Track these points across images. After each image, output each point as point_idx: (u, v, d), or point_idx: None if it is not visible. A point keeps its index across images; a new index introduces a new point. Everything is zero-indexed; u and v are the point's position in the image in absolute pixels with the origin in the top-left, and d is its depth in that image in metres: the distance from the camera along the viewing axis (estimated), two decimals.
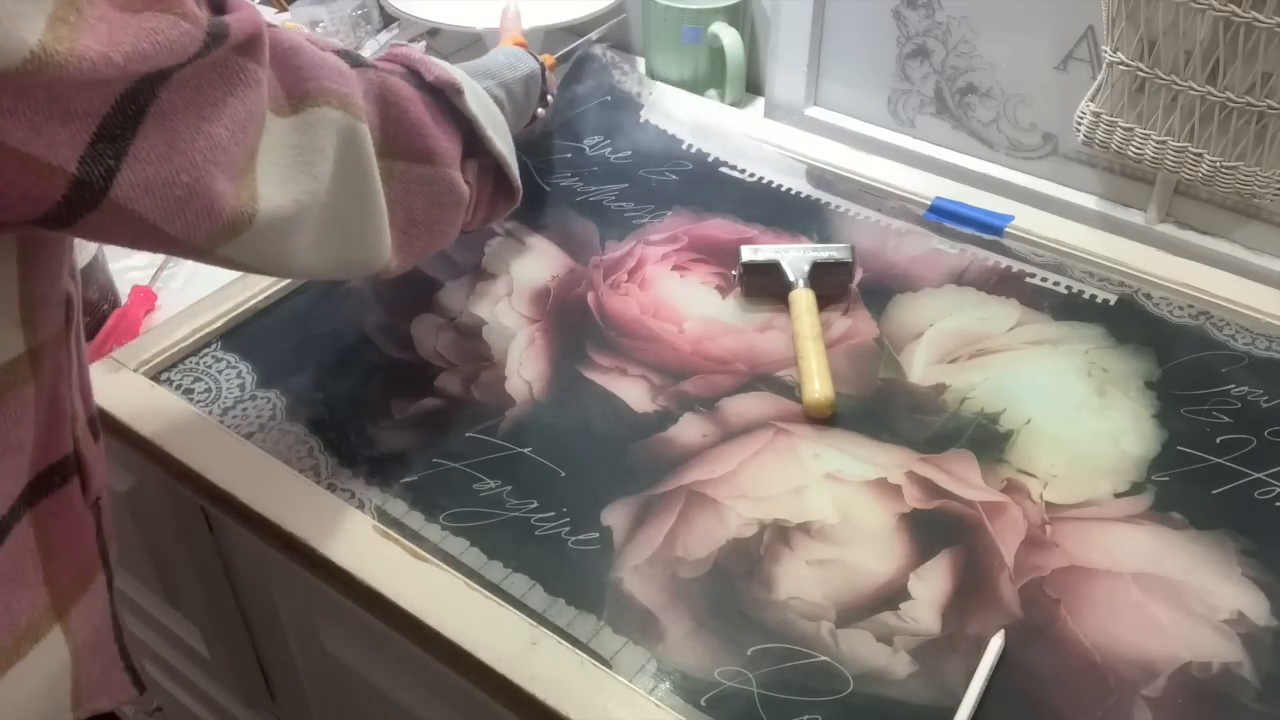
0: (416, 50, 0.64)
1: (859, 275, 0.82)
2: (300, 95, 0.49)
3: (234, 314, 0.78)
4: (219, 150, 0.43)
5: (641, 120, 0.99)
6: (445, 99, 0.62)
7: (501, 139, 0.66)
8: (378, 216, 0.57)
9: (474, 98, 0.63)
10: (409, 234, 0.60)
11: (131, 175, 0.40)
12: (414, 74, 0.61)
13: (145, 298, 0.84)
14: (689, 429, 0.70)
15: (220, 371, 0.74)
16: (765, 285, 0.80)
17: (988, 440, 0.69)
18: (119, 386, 0.72)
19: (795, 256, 0.80)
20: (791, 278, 0.78)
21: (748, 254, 0.80)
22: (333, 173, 0.51)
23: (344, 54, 0.56)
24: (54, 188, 0.39)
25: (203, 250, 0.46)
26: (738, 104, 1.07)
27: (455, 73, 0.62)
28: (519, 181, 0.69)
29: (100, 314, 0.82)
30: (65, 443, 0.50)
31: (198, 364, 0.75)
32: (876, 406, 0.72)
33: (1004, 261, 0.84)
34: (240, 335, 0.77)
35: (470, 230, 0.72)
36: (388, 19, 1.14)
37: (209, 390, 0.73)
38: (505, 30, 0.90)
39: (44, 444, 0.49)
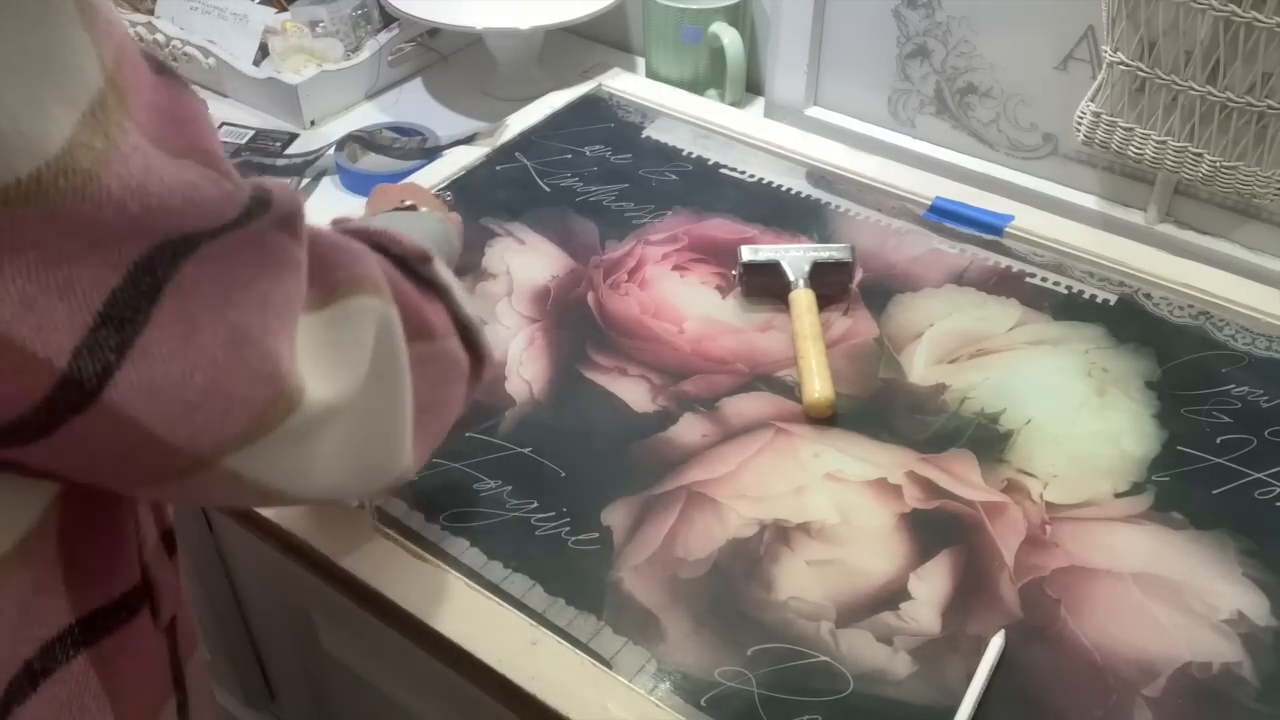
0: (364, 222, 0.57)
1: (859, 275, 0.82)
2: (330, 286, 0.43)
3: None
4: (247, 344, 0.36)
5: (643, 136, 0.99)
6: (414, 270, 0.53)
7: (467, 302, 0.58)
8: (406, 411, 0.49)
9: (440, 265, 0.55)
10: (421, 424, 0.52)
11: (134, 374, 0.33)
12: (378, 248, 0.52)
13: None
14: (689, 429, 0.70)
15: None
16: (765, 285, 0.80)
17: (988, 440, 0.69)
18: None
19: (795, 256, 0.80)
20: (791, 278, 0.78)
21: (748, 254, 0.80)
22: (369, 368, 0.44)
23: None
24: (35, 386, 0.31)
25: (205, 463, 0.37)
26: (738, 104, 1.07)
27: (418, 240, 0.54)
28: (488, 344, 0.59)
29: None
30: (129, 574, 0.44)
31: None
32: (876, 406, 0.72)
33: (1004, 261, 0.84)
34: None
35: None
36: (388, 19, 1.14)
37: None
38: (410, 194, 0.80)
39: (102, 578, 0.43)
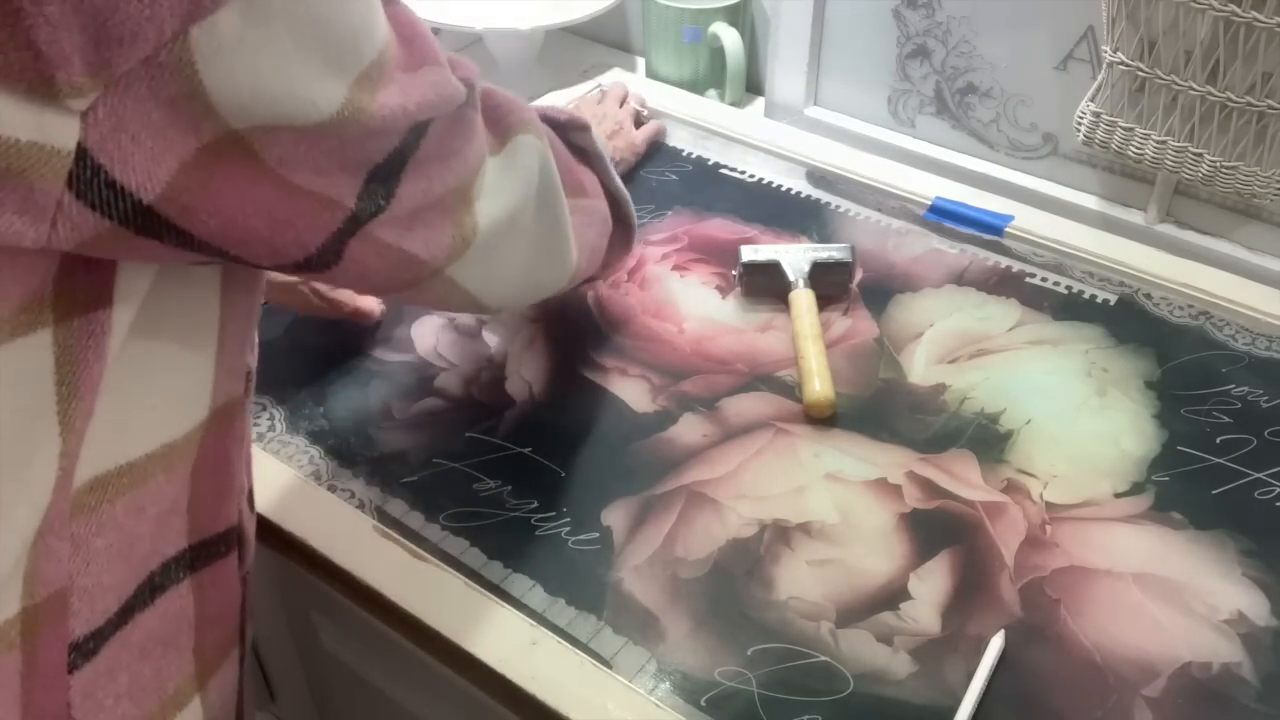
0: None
1: (859, 275, 0.82)
2: (504, 130, 0.53)
3: None
4: (460, 191, 0.48)
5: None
6: (570, 140, 0.65)
7: (616, 176, 0.69)
8: (568, 234, 0.60)
9: (597, 135, 0.67)
10: (582, 243, 0.63)
11: (398, 210, 0.44)
12: (542, 116, 0.62)
13: None
14: (689, 429, 0.70)
15: None
16: (765, 285, 0.80)
17: (988, 440, 0.69)
18: None
19: (795, 256, 0.80)
20: (791, 278, 0.78)
21: (748, 254, 0.80)
22: (536, 191, 0.55)
23: None
24: (332, 220, 0.42)
25: (437, 272, 0.50)
26: (738, 104, 1.07)
27: (576, 112, 0.66)
28: (633, 215, 0.72)
29: None
30: (231, 513, 0.50)
31: None
32: (876, 406, 0.72)
33: (1004, 261, 0.84)
34: None
35: (597, 278, 0.80)
36: None
37: None
38: None
39: (213, 511, 0.49)
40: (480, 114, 0.50)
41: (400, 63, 0.42)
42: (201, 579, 0.49)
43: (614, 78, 1.06)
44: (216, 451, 0.48)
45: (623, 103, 0.96)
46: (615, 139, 0.90)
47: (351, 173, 0.42)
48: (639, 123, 0.96)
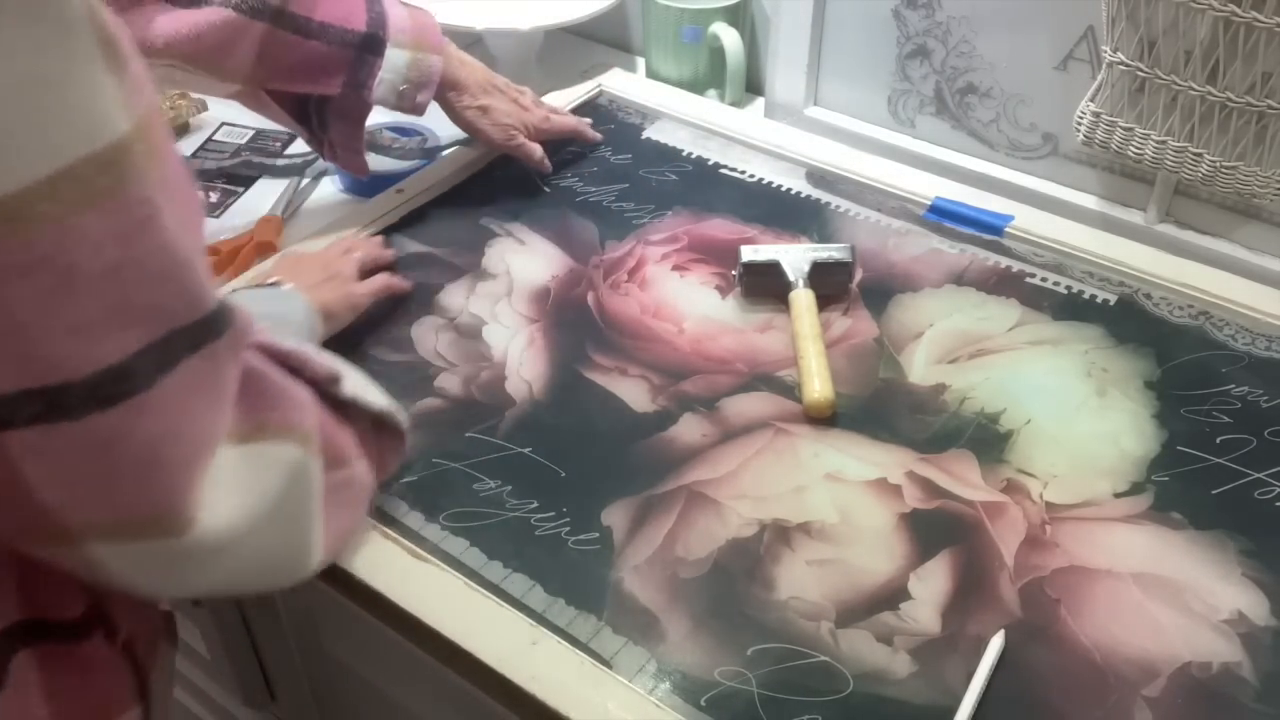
0: (271, 337, 0.50)
1: (859, 275, 0.82)
2: (258, 424, 0.43)
3: None
4: (155, 465, 0.38)
5: (643, 137, 0.99)
6: (325, 392, 0.52)
7: (373, 390, 0.56)
8: (304, 550, 0.49)
9: (349, 379, 0.54)
10: (329, 537, 0.51)
11: (35, 438, 0.36)
12: (289, 370, 0.50)
13: None
14: (689, 429, 0.70)
15: None
16: (765, 285, 0.80)
17: (988, 440, 0.69)
18: None
19: (795, 257, 0.80)
20: (791, 278, 0.78)
21: (748, 254, 0.80)
22: (268, 512, 0.44)
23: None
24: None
25: (69, 538, 0.38)
26: (738, 104, 1.07)
27: (326, 360, 0.53)
28: (404, 424, 0.59)
29: None
30: (75, 602, 0.46)
31: None
32: (876, 406, 0.72)
33: (1004, 261, 0.84)
34: None
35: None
36: None
37: None
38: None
39: (52, 596, 0.44)
40: (236, 376, 0.42)
41: (170, 202, 0.36)
42: (46, 655, 0.44)
43: (614, 78, 1.06)
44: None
45: (350, 251, 0.80)
46: (322, 290, 0.72)
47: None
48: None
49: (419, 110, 0.84)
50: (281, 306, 0.68)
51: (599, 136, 0.97)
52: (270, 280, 0.71)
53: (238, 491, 0.42)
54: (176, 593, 0.46)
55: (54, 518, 0.37)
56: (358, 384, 0.54)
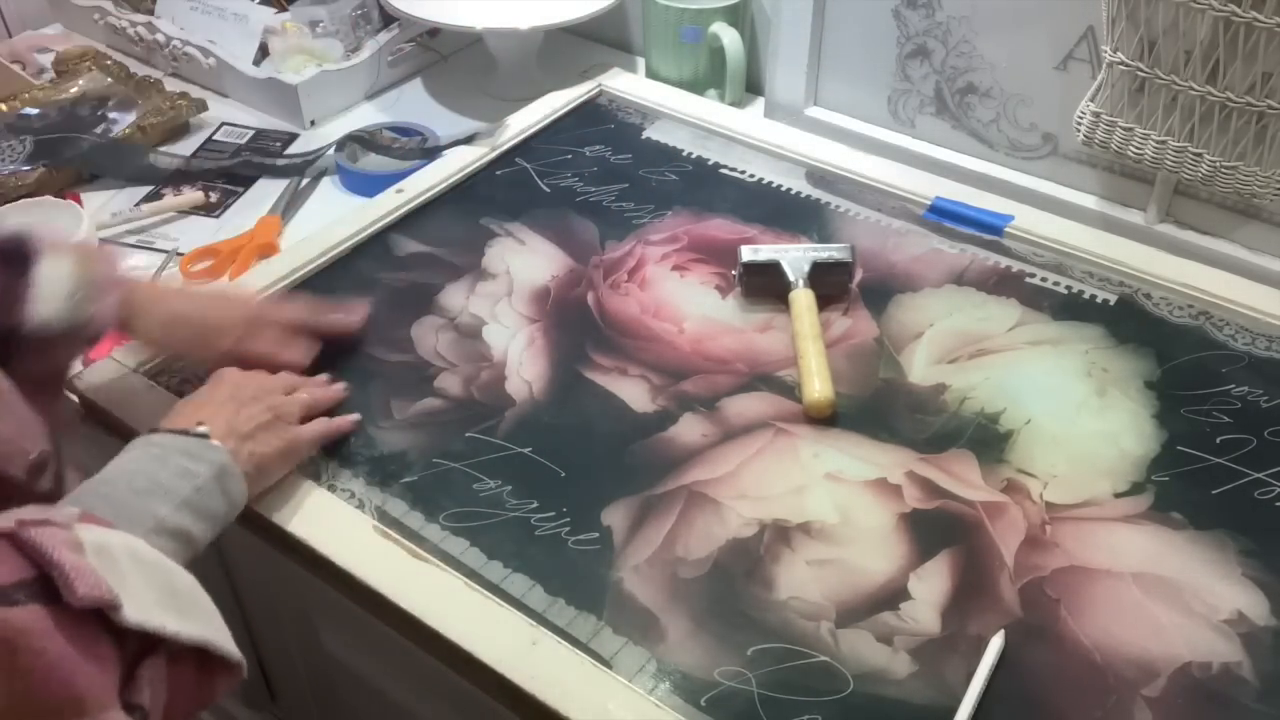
0: (48, 536, 0.45)
1: (859, 275, 0.82)
2: None
3: None
4: None
5: (643, 137, 0.99)
6: (94, 618, 0.46)
7: (194, 613, 0.50)
8: None
9: (134, 601, 0.46)
10: None
11: None
12: (48, 588, 0.45)
13: None
14: (689, 429, 0.70)
15: None
16: (765, 285, 0.80)
17: (988, 440, 0.69)
18: (119, 387, 0.72)
19: (795, 257, 0.80)
20: (791, 278, 0.78)
21: (748, 254, 0.80)
22: None
23: None
24: None
25: None
26: (738, 104, 1.07)
27: (103, 582, 0.46)
28: (235, 653, 0.52)
29: None
30: None
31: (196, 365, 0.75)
32: (876, 406, 0.72)
33: (1004, 261, 0.84)
34: None
35: None
36: (388, 19, 1.14)
37: None
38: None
39: None
40: None
41: None
42: None
43: (614, 78, 1.06)
44: None
45: (293, 391, 0.69)
46: (258, 440, 0.63)
47: None
48: None
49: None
50: (188, 465, 0.58)
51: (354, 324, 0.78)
52: (198, 424, 0.61)
53: None
54: None
55: None
56: (168, 594, 0.48)
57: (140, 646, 0.48)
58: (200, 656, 0.51)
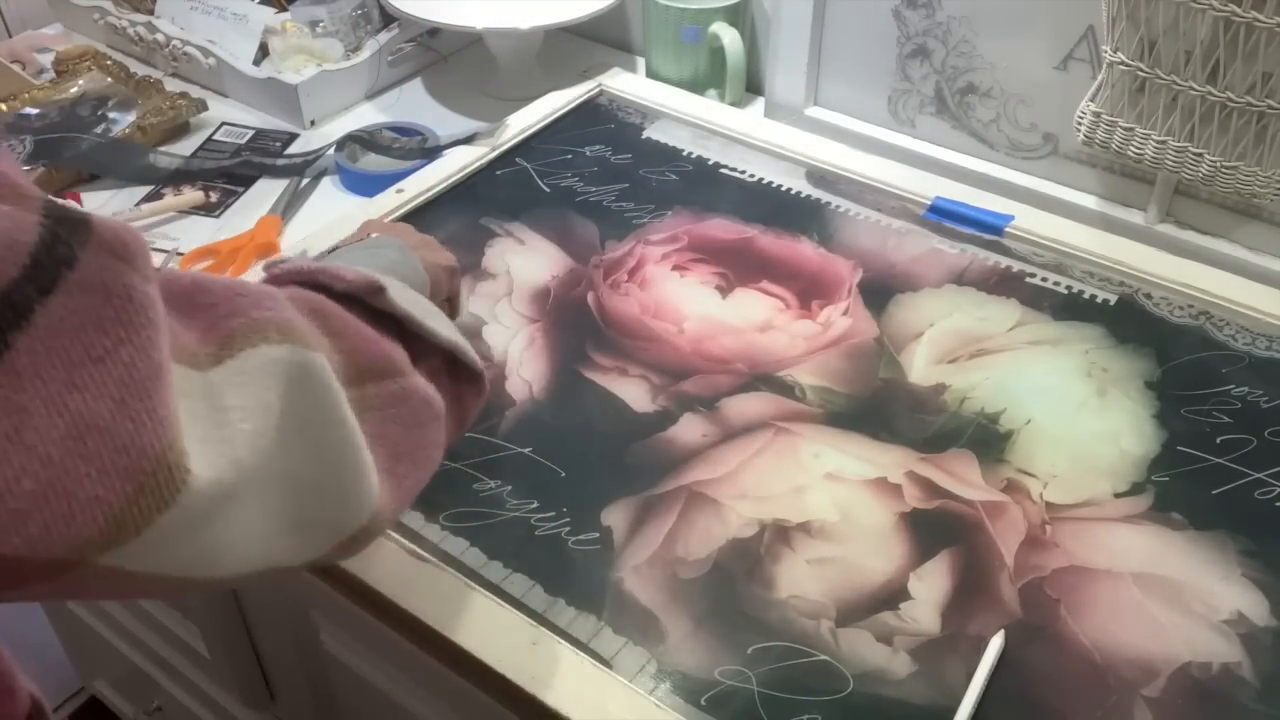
0: (303, 260, 0.50)
1: (859, 275, 0.82)
2: (225, 337, 0.37)
3: None
4: (95, 434, 0.30)
5: (643, 136, 0.99)
6: (365, 304, 0.48)
7: (442, 324, 0.52)
8: (351, 466, 0.42)
9: (397, 291, 0.49)
10: (396, 474, 0.46)
11: None
12: (320, 287, 0.47)
13: None
14: (689, 429, 0.70)
15: None
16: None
17: (988, 440, 0.69)
18: None
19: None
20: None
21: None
22: (276, 434, 0.37)
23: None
24: None
25: (69, 565, 0.31)
26: (738, 104, 1.07)
27: (365, 272, 0.48)
28: (478, 362, 0.54)
29: None
30: None
31: None
32: (876, 406, 0.72)
33: (1004, 261, 0.84)
34: None
35: (450, 446, 0.54)
36: (388, 19, 1.14)
37: None
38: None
39: None
40: (154, 285, 0.34)
41: None
42: None
43: (614, 78, 1.06)
44: None
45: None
46: (422, 253, 0.63)
47: None
48: None
49: None
50: (387, 254, 0.58)
51: None
52: (362, 236, 0.63)
53: (226, 425, 0.35)
54: (229, 570, 0.37)
55: (31, 561, 0.30)
56: (419, 307, 0.50)
57: (410, 348, 0.49)
58: (450, 368, 0.53)
